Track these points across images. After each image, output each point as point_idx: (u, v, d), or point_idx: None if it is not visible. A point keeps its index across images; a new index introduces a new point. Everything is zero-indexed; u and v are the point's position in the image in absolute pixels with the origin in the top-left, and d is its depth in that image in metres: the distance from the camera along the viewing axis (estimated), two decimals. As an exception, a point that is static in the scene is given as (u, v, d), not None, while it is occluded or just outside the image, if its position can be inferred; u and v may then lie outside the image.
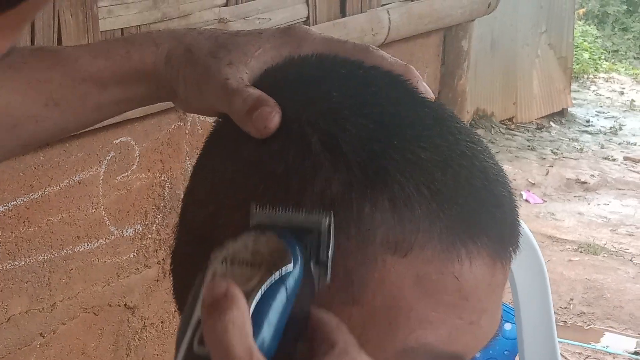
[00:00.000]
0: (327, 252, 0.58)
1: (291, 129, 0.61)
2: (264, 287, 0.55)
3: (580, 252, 4.83)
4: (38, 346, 1.61)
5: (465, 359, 0.61)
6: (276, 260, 0.56)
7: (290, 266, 0.56)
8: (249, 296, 0.54)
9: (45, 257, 1.60)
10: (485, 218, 0.60)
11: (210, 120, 0.67)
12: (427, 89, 0.65)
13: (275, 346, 0.54)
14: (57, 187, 1.60)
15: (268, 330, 0.54)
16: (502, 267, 0.61)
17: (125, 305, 1.81)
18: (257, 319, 0.54)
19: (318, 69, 0.66)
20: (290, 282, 0.56)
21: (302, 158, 0.59)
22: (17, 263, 1.55)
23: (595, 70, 7.74)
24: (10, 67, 0.69)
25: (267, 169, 0.60)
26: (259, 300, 0.54)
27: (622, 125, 6.53)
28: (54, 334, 1.63)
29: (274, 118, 0.61)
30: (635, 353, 3.69)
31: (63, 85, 0.70)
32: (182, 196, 0.68)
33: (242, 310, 0.52)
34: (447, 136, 0.61)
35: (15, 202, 1.53)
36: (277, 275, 0.55)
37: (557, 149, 6.16)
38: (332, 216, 0.57)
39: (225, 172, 0.62)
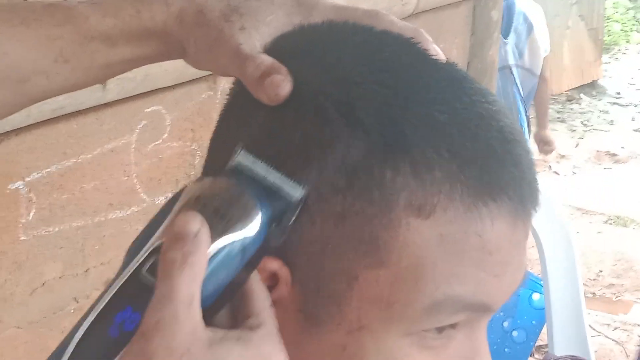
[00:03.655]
0: (288, 224, 0.59)
1: (304, 98, 0.61)
2: (223, 242, 0.56)
3: (610, 224, 4.81)
4: (72, 311, 1.63)
5: (493, 307, 0.63)
6: (243, 221, 0.57)
7: (253, 232, 0.57)
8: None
9: (79, 224, 1.62)
10: (505, 177, 0.61)
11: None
12: (438, 51, 0.65)
13: (211, 301, 0.55)
14: (90, 155, 1.62)
15: (212, 284, 0.55)
16: (522, 224, 0.62)
17: (156, 272, 1.83)
18: (207, 270, 0.54)
19: (329, 36, 0.66)
20: (249, 247, 0.57)
21: (319, 126, 0.60)
22: (51, 229, 1.57)
23: (626, 41, 7.66)
24: (22, 22, 0.70)
25: (284, 139, 0.61)
26: (214, 253, 0.55)
27: (653, 97, 6.48)
28: (87, 298, 1.66)
29: (286, 86, 0.62)
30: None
31: (73, 42, 0.70)
32: (205, 158, 0.69)
33: (203, 256, 0.54)
34: (463, 97, 0.62)
35: (49, 170, 1.55)
36: (239, 236, 0.56)
37: (587, 121, 6.12)
38: (304, 191, 0.59)
39: (241, 141, 0.63)
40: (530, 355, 2.71)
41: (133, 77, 1.60)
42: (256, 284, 0.59)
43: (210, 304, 0.55)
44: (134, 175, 1.72)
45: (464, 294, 0.60)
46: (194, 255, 0.53)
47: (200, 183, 0.59)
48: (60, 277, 1.61)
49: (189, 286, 0.53)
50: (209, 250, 0.55)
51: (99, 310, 0.55)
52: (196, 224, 0.54)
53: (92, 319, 0.55)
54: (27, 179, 1.52)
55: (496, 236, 0.60)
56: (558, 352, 2.13)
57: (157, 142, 1.76)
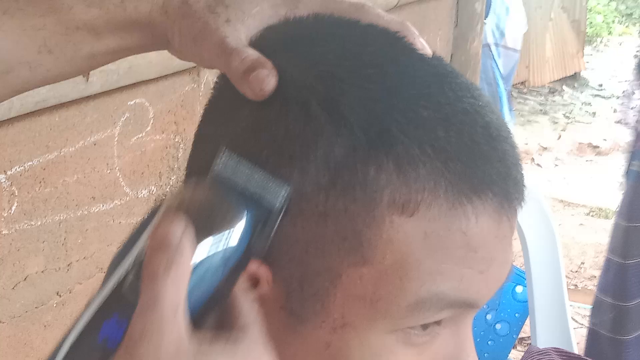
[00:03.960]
0: (272, 229, 0.59)
1: (289, 94, 0.61)
2: (206, 250, 0.55)
3: (592, 216, 4.83)
4: (54, 305, 1.63)
5: (478, 304, 0.63)
6: (226, 229, 0.56)
7: (236, 239, 0.56)
8: None
9: (61, 218, 1.61)
10: (489, 174, 0.60)
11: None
12: (424, 45, 0.65)
13: (196, 310, 0.54)
14: (73, 148, 1.61)
15: (196, 292, 0.54)
16: (507, 219, 0.62)
17: (140, 265, 1.82)
18: (191, 279, 0.53)
19: (314, 30, 0.66)
20: (232, 254, 0.56)
21: (302, 123, 0.60)
22: (33, 223, 1.56)
23: (608, 33, 7.69)
24: (5, 12, 0.69)
25: (268, 135, 0.60)
26: (198, 261, 0.54)
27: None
28: (70, 293, 1.65)
29: (271, 81, 0.61)
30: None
31: (57, 32, 0.70)
32: (189, 155, 0.68)
33: (187, 263, 0.53)
34: (448, 93, 0.61)
35: (31, 163, 1.54)
36: (222, 243, 0.55)
37: (570, 113, 6.14)
38: (286, 195, 0.58)
39: (225, 137, 0.63)
40: (513, 348, 2.72)
41: (116, 70, 1.59)
42: (240, 292, 0.58)
43: (196, 312, 0.54)
44: (117, 168, 1.71)
45: (449, 291, 0.60)
46: (178, 262, 0.52)
47: (182, 190, 0.59)
48: (42, 271, 1.60)
49: (174, 294, 0.52)
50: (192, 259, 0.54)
51: (79, 330, 0.54)
52: (179, 229, 0.53)
53: (78, 333, 0.54)
54: (8, 172, 1.51)
55: (481, 233, 0.60)
56: (541, 344, 2.14)
57: (140, 135, 1.75)
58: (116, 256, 0.57)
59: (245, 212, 0.57)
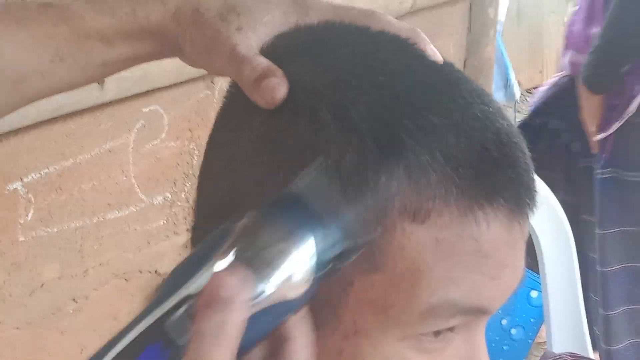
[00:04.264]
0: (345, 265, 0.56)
1: (299, 102, 0.61)
2: (263, 303, 0.52)
3: (607, 220, 4.80)
4: (71, 311, 1.63)
5: (491, 310, 0.62)
6: (293, 279, 0.52)
7: (301, 291, 0.53)
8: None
9: (77, 224, 1.62)
10: (500, 180, 0.60)
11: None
12: (435, 52, 0.65)
13: (244, 350, 0.52)
14: (88, 155, 1.62)
15: (247, 343, 0.52)
16: (519, 225, 0.62)
17: (155, 271, 1.83)
18: (247, 329, 0.51)
19: (325, 37, 0.66)
20: (294, 305, 0.54)
21: (313, 131, 0.59)
22: (49, 230, 1.57)
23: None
24: (18, 22, 0.70)
25: (279, 143, 0.60)
26: (255, 313, 0.51)
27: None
28: (86, 299, 1.66)
29: (281, 89, 0.61)
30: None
31: (69, 41, 0.70)
32: (201, 164, 0.68)
33: (239, 325, 0.50)
34: (459, 99, 0.61)
35: (47, 170, 1.55)
36: (287, 297, 0.53)
37: (583, 117, 6.10)
38: (378, 229, 0.56)
39: (238, 146, 0.62)
40: (529, 353, 2.71)
41: (130, 77, 1.60)
42: (300, 331, 0.56)
43: (244, 352, 0.52)
44: (132, 175, 1.72)
45: (461, 298, 0.60)
46: (228, 326, 0.50)
47: (251, 226, 0.54)
48: (58, 278, 1.61)
49: (221, 357, 0.50)
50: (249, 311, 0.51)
51: (115, 354, 0.51)
52: (236, 283, 0.50)
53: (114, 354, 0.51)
54: (25, 180, 1.52)
55: (492, 239, 0.60)
56: (557, 349, 2.13)
57: (155, 142, 1.76)
58: (164, 286, 0.53)
59: (318, 256, 0.53)
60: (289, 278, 0.52)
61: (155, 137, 1.75)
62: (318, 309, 0.61)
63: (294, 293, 0.53)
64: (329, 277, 0.55)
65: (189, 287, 0.51)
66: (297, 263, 0.52)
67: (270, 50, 0.65)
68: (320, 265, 0.54)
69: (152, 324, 0.51)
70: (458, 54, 2.70)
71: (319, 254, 0.54)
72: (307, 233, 0.53)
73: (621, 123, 2.48)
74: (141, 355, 0.51)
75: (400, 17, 2.21)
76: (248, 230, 0.53)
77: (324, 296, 0.61)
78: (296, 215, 0.54)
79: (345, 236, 0.55)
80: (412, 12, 2.41)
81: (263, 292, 0.51)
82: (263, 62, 0.63)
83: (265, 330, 0.54)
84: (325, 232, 0.54)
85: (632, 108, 2.46)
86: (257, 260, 0.51)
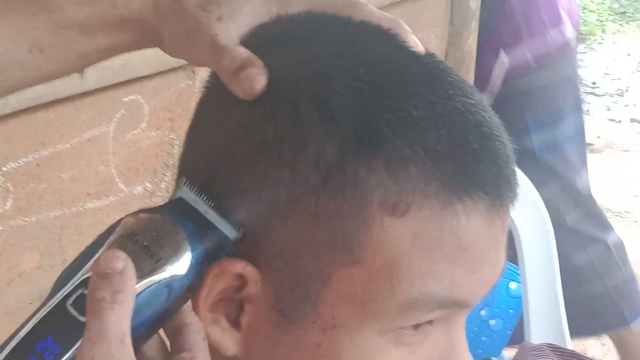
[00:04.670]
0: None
1: (279, 93, 0.61)
2: (150, 280, 0.56)
3: (585, 213, 4.82)
4: (49, 301, 1.63)
5: (470, 303, 0.63)
6: (172, 261, 0.57)
7: (182, 272, 0.57)
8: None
9: (56, 214, 1.61)
10: (481, 173, 0.60)
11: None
12: (416, 43, 0.65)
13: (136, 335, 0.56)
14: (68, 145, 1.61)
15: (138, 318, 0.56)
16: (500, 218, 0.62)
17: (134, 261, 1.82)
18: (136, 307, 0.55)
19: (306, 28, 0.65)
20: (176, 285, 0.58)
21: (292, 123, 0.60)
22: (28, 219, 1.56)
23: (602, 31, 7.68)
24: None
25: (258, 135, 0.60)
26: (142, 290, 0.56)
27: (629, 87, 6.49)
28: (65, 289, 1.65)
29: (261, 80, 0.61)
30: None
31: (48, 32, 0.70)
32: (180, 155, 0.68)
33: (130, 294, 0.55)
34: (440, 91, 0.61)
35: (26, 159, 1.54)
36: (166, 274, 0.57)
37: (564, 110, 6.11)
38: (240, 234, 0.60)
39: (217, 137, 0.63)
40: (507, 344, 2.72)
41: (111, 66, 1.59)
42: (190, 317, 0.59)
43: (136, 337, 0.56)
44: (112, 164, 1.71)
45: (440, 291, 0.60)
46: (121, 294, 0.54)
47: (136, 216, 0.59)
48: (37, 268, 1.60)
49: (119, 323, 0.54)
50: (136, 286, 0.55)
51: (20, 338, 0.55)
52: (121, 262, 0.55)
53: (13, 345, 0.55)
54: (3, 169, 1.51)
55: (472, 232, 0.60)
56: (535, 341, 2.14)
57: (135, 132, 1.75)
58: (64, 273, 0.58)
59: (195, 245, 0.58)
60: (171, 260, 0.57)
61: (135, 126, 1.74)
62: (296, 302, 0.61)
63: (174, 273, 0.57)
64: (205, 263, 0.59)
65: (83, 273, 0.56)
66: (178, 246, 0.58)
67: (251, 41, 0.65)
68: (198, 252, 0.58)
69: (54, 307, 0.55)
70: (439, 46, 2.70)
71: (196, 243, 0.58)
72: (188, 224, 0.59)
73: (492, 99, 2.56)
74: (30, 356, 0.54)
75: (382, 7, 2.21)
76: (135, 222, 0.59)
77: (302, 290, 0.61)
78: (177, 215, 0.60)
79: (216, 230, 0.60)
80: (394, 3, 2.41)
81: (148, 269, 0.57)
82: (243, 52, 0.63)
83: (151, 313, 0.57)
84: (201, 225, 0.59)
85: (496, 81, 2.52)
86: (137, 246, 0.57)
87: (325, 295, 0.61)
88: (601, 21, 7.81)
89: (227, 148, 0.62)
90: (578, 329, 2.35)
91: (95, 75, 1.57)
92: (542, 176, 2.62)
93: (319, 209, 0.59)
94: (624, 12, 8.12)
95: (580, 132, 2.84)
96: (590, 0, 7.91)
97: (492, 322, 2.68)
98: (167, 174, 1.83)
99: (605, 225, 2.85)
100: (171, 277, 0.57)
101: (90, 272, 0.56)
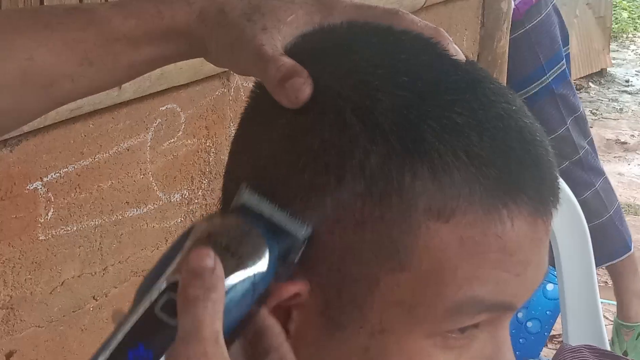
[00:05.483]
0: (294, 261, 0.60)
1: (324, 102, 0.61)
2: (236, 279, 0.56)
3: (621, 212, 4.79)
4: (91, 309, 1.65)
5: (515, 306, 0.63)
6: (253, 258, 0.58)
7: (263, 268, 0.58)
8: None
9: (97, 223, 1.63)
10: (524, 178, 0.61)
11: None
12: (458, 51, 0.65)
13: (225, 337, 0.56)
14: (107, 154, 1.63)
15: (226, 320, 0.55)
16: (543, 223, 0.63)
17: (173, 268, 1.84)
18: (224, 306, 0.55)
19: (349, 37, 0.66)
20: (259, 283, 0.58)
21: (337, 132, 0.60)
22: (69, 229, 1.59)
23: (634, 29, 7.62)
24: (47, 27, 0.71)
25: (304, 144, 0.61)
26: (227, 289, 0.56)
27: (663, 84, 6.44)
28: (106, 297, 1.67)
29: (306, 89, 0.62)
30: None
31: (97, 45, 0.71)
32: (226, 164, 0.69)
33: (222, 292, 0.55)
34: (482, 98, 0.62)
35: (66, 169, 1.56)
36: (250, 272, 0.57)
37: (597, 110, 6.08)
38: (309, 230, 0.60)
39: (263, 147, 0.63)
40: (545, 346, 2.72)
41: (148, 76, 1.61)
42: (269, 320, 0.60)
43: (226, 338, 0.55)
44: (150, 173, 1.73)
45: (486, 295, 0.61)
46: (214, 291, 0.54)
47: (209, 221, 0.60)
48: (78, 276, 1.62)
49: (213, 322, 0.53)
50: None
51: (112, 348, 0.55)
52: (211, 260, 0.55)
53: (107, 356, 0.55)
54: (45, 179, 1.53)
55: (516, 236, 0.61)
56: (573, 342, 2.14)
57: (172, 140, 1.77)
58: (145, 282, 0.58)
59: (270, 242, 0.59)
60: (252, 258, 0.58)
61: (172, 135, 1.76)
62: (344, 308, 0.62)
63: (257, 270, 0.58)
64: (284, 270, 0.60)
65: (167, 278, 0.56)
66: (257, 246, 0.58)
67: (295, 51, 0.66)
68: (275, 251, 0.59)
69: (143, 314, 0.55)
70: (471, 49, 2.70)
71: (272, 241, 0.59)
72: (259, 225, 0.59)
73: None
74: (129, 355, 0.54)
75: (413, 12, 2.21)
76: (210, 226, 0.59)
77: (350, 296, 0.61)
78: (247, 216, 0.60)
79: (289, 238, 0.60)
80: (426, 6, 2.41)
81: (232, 267, 0.57)
82: (288, 62, 0.64)
83: (241, 309, 0.57)
84: (270, 226, 0.60)
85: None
86: (217, 247, 0.57)
87: (372, 300, 0.61)
88: (633, 19, 7.75)
89: (273, 157, 0.63)
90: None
91: (132, 86, 1.59)
92: (561, 114, 2.72)
93: (365, 215, 0.60)
94: (656, 10, 8.06)
95: (566, 56, 2.96)
96: (621, -2, 7.85)
97: (529, 324, 2.68)
98: (204, 182, 1.84)
99: (598, 158, 2.98)
100: (254, 274, 0.57)
101: (178, 272, 0.55)
